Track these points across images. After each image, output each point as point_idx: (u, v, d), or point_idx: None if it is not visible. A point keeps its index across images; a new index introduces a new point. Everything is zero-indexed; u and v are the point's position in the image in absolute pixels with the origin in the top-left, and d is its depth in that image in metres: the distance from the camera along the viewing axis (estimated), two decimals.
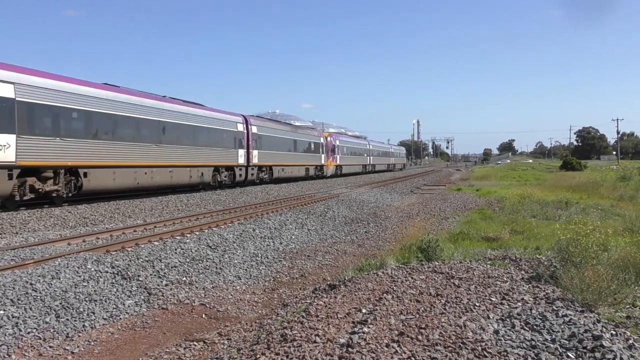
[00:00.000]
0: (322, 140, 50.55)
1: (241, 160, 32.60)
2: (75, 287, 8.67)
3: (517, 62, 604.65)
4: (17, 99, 16.87)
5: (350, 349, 5.14)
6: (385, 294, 7.28)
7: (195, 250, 12.02)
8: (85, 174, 19.95)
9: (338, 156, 54.39)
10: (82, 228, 15.10)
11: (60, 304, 8.06)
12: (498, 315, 6.29)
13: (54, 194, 18.89)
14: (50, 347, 7.05)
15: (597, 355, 4.97)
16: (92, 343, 7.43)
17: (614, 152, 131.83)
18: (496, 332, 5.67)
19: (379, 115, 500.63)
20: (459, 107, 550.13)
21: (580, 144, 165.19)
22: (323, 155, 50.11)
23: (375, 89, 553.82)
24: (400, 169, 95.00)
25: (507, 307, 6.61)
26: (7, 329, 7.09)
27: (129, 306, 8.77)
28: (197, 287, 10.18)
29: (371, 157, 70.89)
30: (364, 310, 6.56)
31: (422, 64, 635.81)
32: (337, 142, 54.90)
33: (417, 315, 6.28)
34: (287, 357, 5.20)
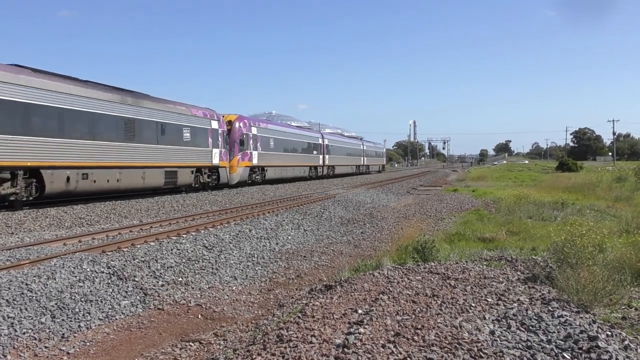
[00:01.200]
0: (214, 124, 30.73)
1: None
2: (71, 288, 8.65)
3: (514, 63, 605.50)
4: None
5: (346, 350, 5.14)
6: (381, 295, 7.28)
7: (192, 251, 12.00)
8: None
9: (255, 152, 35.67)
10: (78, 228, 15.08)
11: (56, 304, 8.04)
12: (494, 315, 6.30)
13: None
14: (46, 347, 7.03)
15: (593, 355, 4.98)
16: (88, 343, 7.41)
17: (610, 153, 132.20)
18: (492, 332, 5.68)
19: (377, 116, 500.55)
20: (455, 108, 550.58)
21: (576, 145, 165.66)
22: (218, 151, 30.64)
23: (373, 90, 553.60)
24: (378, 171, 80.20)
25: (503, 307, 6.62)
26: (3, 329, 7.07)
27: (124, 307, 8.75)
28: (193, 288, 10.16)
29: (326, 156, 52.78)
30: (360, 311, 6.57)
31: (419, 64, 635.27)
32: (254, 131, 36.12)
33: (413, 316, 6.28)
34: (283, 357, 5.20)
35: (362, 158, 69.52)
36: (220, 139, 31.05)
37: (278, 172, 40.50)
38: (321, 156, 51.70)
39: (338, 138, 62.70)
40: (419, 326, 5.84)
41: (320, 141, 52.14)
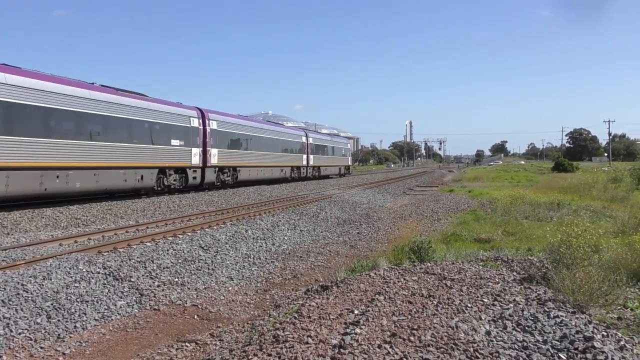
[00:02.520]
0: None
1: None
2: (67, 288, 8.63)
3: (511, 64, 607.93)
4: None
5: (342, 350, 5.14)
6: (377, 295, 7.28)
7: (188, 251, 11.99)
8: None
9: None
10: (74, 229, 15.04)
11: (52, 304, 8.02)
12: (490, 316, 6.31)
13: None
14: (42, 348, 7.02)
15: (589, 356, 4.99)
16: (84, 344, 7.39)
17: (606, 154, 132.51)
18: (488, 333, 5.68)
19: (376, 116, 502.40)
20: (453, 108, 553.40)
21: (572, 146, 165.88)
22: None
23: (372, 90, 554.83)
24: (339, 174, 59.22)
25: (499, 308, 6.63)
26: None
27: (120, 307, 8.74)
28: (189, 288, 10.15)
29: (212, 151, 30.34)
30: (356, 311, 6.56)
31: (419, 64, 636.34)
32: None
33: (409, 316, 6.28)
34: (279, 358, 5.19)
35: (304, 156, 47.11)
36: None
37: (58, 182, 19.27)
38: (198, 150, 28.84)
39: (243, 122, 36.65)
40: (415, 326, 5.84)
41: (197, 123, 29.05)
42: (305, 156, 47.45)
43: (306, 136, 48.82)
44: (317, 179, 49.81)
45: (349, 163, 65.88)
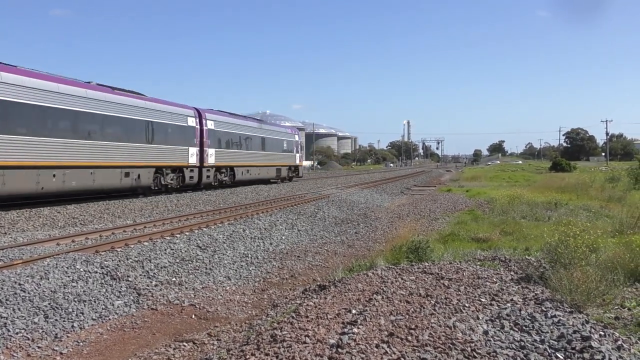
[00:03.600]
0: None
1: None
2: (64, 288, 8.61)
3: (510, 64, 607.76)
4: None
5: (340, 350, 5.14)
6: (375, 295, 7.29)
7: (185, 251, 11.98)
8: None
9: None
10: (71, 228, 15.02)
11: (49, 304, 8.01)
12: (487, 316, 6.32)
13: None
14: (39, 347, 7.01)
15: (586, 355, 5.00)
16: (81, 344, 7.39)
17: (603, 154, 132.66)
18: (485, 332, 5.69)
19: (376, 116, 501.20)
20: (451, 108, 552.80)
21: (569, 145, 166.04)
22: None
23: (372, 91, 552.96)
24: (282, 177, 41.91)
25: (497, 307, 6.64)
26: None
27: (118, 307, 8.73)
28: (186, 288, 10.14)
29: None
30: (353, 311, 6.57)
31: (419, 64, 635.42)
32: None
33: (407, 316, 6.29)
34: (276, 357, 5.20)
35: (193, 150, 28.73)
36: None
37: None
38: None
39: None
40: (413, 326, 5.84)
41: None
42: (196, 150, 29.07)
43: (199, 118, 29.82)
44: (229, 186, 33.00)
45: (297, 162, 45.48)
